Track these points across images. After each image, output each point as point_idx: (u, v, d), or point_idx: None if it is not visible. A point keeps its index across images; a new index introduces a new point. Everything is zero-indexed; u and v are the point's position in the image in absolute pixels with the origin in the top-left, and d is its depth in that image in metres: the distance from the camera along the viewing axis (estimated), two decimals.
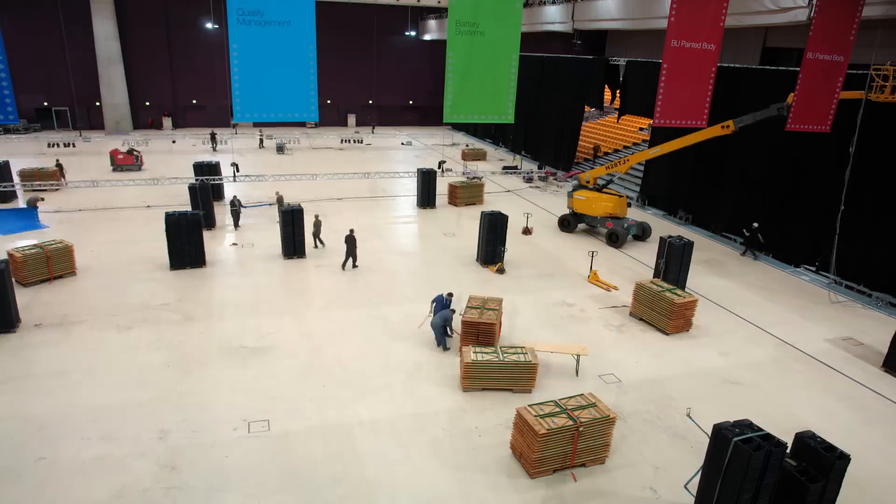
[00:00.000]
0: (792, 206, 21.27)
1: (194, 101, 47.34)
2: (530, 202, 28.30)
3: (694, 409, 12.21)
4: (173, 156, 36.42)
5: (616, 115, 35.03)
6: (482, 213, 19.67)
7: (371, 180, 31.15)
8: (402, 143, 44.82)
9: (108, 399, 11.77)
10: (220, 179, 26.97)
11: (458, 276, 18.62)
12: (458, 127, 52.72)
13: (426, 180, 26.89)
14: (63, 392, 11.93)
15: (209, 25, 44.63)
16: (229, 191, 26.91)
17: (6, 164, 25.38)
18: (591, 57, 36.35)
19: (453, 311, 14.19)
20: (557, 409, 10.33)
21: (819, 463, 8.75)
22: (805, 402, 12.73)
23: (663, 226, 25.44)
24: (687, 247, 17.51)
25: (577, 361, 13.37)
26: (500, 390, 12.43)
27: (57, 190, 26.92)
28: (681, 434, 11.43)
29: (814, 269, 20.30)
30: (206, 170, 26.49)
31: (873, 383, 13.52)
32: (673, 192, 27.04)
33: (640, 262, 20.90)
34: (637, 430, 11.48)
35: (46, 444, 10.39)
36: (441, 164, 32.71)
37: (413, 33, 50.99)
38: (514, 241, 21.03)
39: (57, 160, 28.87)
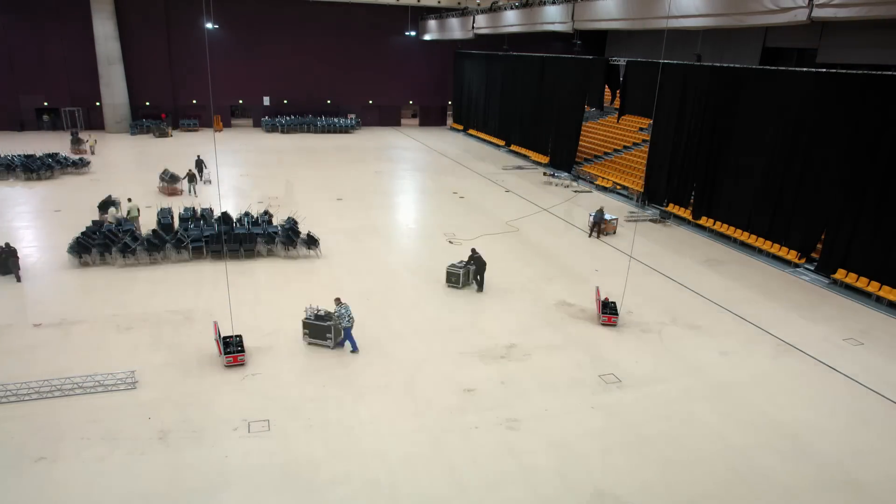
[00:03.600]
0: (791, 204, 21.28)
1: (194, 101, 47.35)
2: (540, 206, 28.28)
3: (694, 408, 12.22)
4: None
5: (616, 115, 35.08)
6: None
7: None
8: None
9: (108, 399, 11.78)
10: None
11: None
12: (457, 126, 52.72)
13: None
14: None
15: (209, 26, 44.62)
16: None
17: None
18: (591, 57, 36.36)
19: None
20: None
21: None
22: (805, 401, 12.72)
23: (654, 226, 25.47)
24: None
25: None
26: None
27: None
28: (680, 434, 11.43)
29: (812, 268, 20.31)
30: None
31: (873, 383, 13.52)
32: (673, 191, 27.05)
33: None
34: (637, 430, 11.48)
35: (46, 444, 10.39)
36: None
37: (413, 33, 51.00)
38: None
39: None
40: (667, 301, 17.50)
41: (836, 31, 29.71)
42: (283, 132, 47.14)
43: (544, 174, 34.94)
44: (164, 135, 43.24)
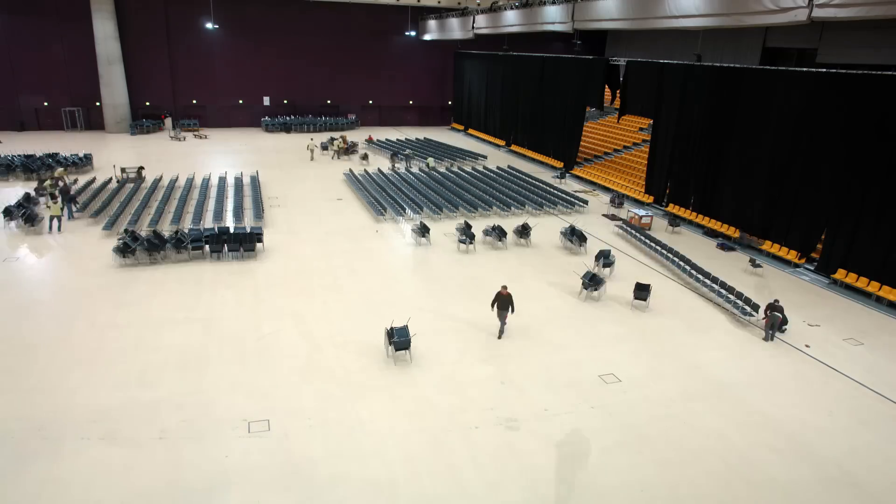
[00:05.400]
0: (792, 204, 21.27)
1: (194, 101, 47.35)
2: None
3: (693, 409, 12.23)
4: None
5: (616, 115, 35.08)
6: None
7: None
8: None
9: (108, 399, 11.78)
10: None
11: None
12: (458, 126, 52.69)
13: None
14: (63, 392, 11.94)
15: (209, 25, 44.63)
16: None
17: None
18: (591, 57, 36.36)
19: None
20: None
21: None
22: (805, 401, 12.72)
23: (662, 225, 25.44)
24: None
25: None
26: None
27: None
28: (680, 434, 11.43)
29: (812, 268, 20.31)
30: None
31: (873, 383, 13.53)
32: (673, 191, 27.05)
33: None
34: (637, 430, 11.48)
35: (46, 444, 10.40)
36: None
37: (413, 33, 50.99)
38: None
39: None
40: (666, 301, 17.50)
41: (836, 31, 29.71)
42: (289, 132, 46.43)
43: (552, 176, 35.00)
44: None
